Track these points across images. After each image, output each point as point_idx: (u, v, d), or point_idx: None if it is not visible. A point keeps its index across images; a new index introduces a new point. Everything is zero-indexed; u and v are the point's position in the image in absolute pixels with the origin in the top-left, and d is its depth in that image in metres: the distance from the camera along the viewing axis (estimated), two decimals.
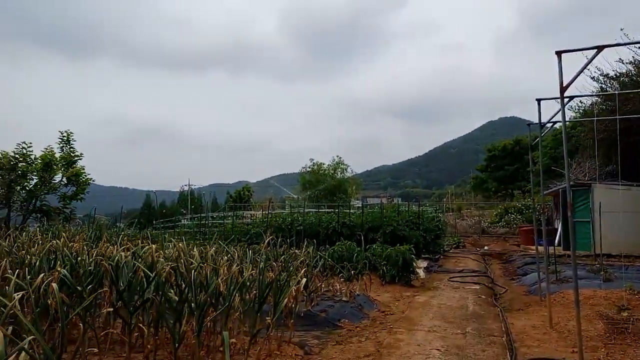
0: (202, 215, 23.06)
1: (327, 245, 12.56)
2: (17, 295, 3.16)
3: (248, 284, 4.53)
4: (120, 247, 5.49)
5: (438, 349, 4.85)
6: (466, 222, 30.29)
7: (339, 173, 37.00)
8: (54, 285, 3.45)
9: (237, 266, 4.65)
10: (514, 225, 27.13)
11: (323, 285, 6.91)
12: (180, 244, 5.98)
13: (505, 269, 12.70)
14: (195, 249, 5.61)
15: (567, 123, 49.13)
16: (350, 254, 8.83)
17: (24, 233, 10.02)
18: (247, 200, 38.21)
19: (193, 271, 4.17)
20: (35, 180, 15.21)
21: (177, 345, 3.84)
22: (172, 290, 4.19)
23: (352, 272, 6.95)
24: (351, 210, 17.09)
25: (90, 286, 4.11)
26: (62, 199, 15.82)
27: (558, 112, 6.71)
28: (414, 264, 8.43)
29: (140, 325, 4.13)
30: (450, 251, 16.51)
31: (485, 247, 20.78)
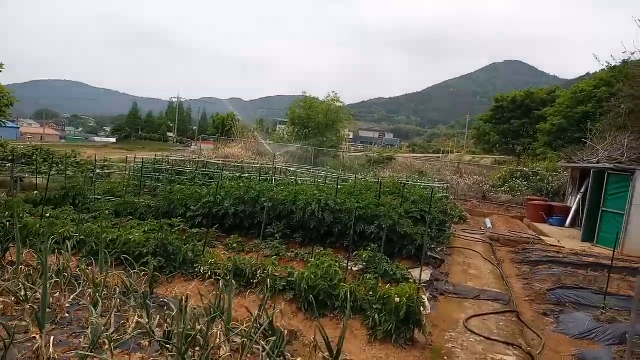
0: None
1: (301, 232, 9.62)
2: None
3: None
4: None
5: None
6: (465, 181, 27.51)
7: (332, 111, 33.11)
8: None
9: None
10: (519, 193, 24.43)
11: None
12: None
13: (526, 279, 9.97)
14: None
15: (584, 80, 44.19)
16: (330, 286, 5.86)
17: None
18: (229, 130, 34.70)
19: None
20: None
21: None
22: None
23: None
24: (343, 173, 14.01)
25: None
26: None
27: None
28: (422, 313, 5.49)
29: None
30: (453, 231, 13.65)
31: (489, 223, 18.10)
